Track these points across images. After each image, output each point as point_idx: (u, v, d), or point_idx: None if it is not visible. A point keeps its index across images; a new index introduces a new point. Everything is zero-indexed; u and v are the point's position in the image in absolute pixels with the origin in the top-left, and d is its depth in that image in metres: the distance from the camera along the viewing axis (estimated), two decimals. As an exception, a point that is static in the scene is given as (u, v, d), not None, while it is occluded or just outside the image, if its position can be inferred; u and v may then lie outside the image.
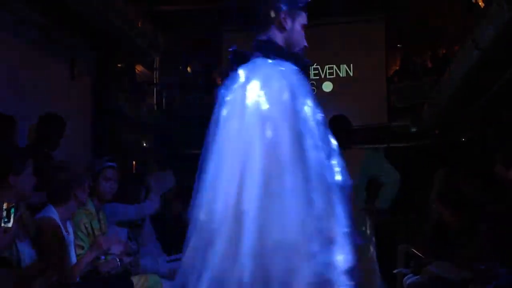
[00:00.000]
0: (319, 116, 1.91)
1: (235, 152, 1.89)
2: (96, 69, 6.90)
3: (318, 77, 9.94)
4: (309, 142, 1.81)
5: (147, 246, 4.46)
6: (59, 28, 5.77)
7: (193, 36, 10.59)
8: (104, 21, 5.80)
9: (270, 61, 1.96)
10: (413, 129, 9.96)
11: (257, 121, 1.84)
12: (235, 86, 1.97)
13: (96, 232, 3.68)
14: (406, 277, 4.41)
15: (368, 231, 4.20)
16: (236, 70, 2.02)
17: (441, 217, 4.69)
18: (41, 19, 5.47)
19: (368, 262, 4.09)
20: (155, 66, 10.85)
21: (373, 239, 4.26)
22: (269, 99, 1.84)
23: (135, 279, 3.65)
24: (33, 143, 4.75)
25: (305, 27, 2.23)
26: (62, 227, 3.27)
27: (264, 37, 2.06)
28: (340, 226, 1.83)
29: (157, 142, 10.54)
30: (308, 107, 1.88)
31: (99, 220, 3.75)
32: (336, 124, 3.64)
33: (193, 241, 2.01)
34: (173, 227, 5.42)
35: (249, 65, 1.97)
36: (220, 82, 2.19)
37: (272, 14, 2.04)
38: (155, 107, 10.70)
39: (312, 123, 1.86)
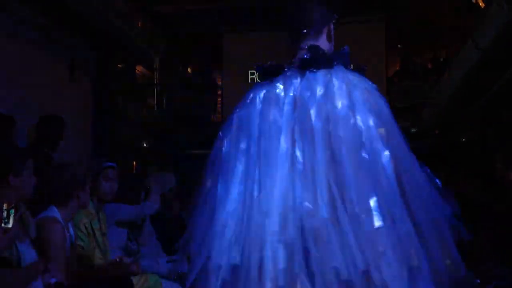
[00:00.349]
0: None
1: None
2: (96, 70, 6.90)
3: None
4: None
5: (147, 246, 4.46)
6: (59, 28, 5.77)
7: (193, 36, 10.60)
8: (104, 21, 5.80)
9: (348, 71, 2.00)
10: (413, 129, 9.97)
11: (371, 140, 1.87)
12: (319, 90, 1.92)
13: (97, 232, 3.68)
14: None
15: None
16: (304, 72, 1.98)
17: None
18: (41, 20, 5.47)
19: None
20: (155, 67, 10.86)
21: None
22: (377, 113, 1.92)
23: (135, 279, 3.65)
24: (33, 144, 4.76)
25: None
26: (64, 227, 3.27)
27: (327, 47, 2.09)
28: None
29: (157, 142, 10.55)
30: None
31: (99, 220, 3.75)
32: None
33: None
34: (173, 227, 5.42)
35: (333, 71, 1.95)
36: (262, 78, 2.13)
37: (326, 24, 2.10)
38: (155, 107, 10.71)
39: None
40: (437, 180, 1.97)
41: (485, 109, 7.37)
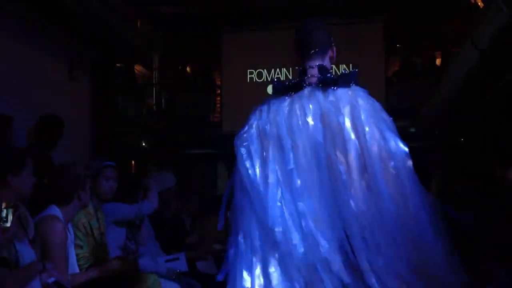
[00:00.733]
0: None
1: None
2: (95, 69, 6.90)
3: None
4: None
5: (146, 246, 4.46)
6: (57, 28, 5.77)
7: (192, 36, 10.60)
8: (103, 21, 5.80)
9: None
10: (412, 130, 9.97)
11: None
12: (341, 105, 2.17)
13: (95, 232, 3.68)
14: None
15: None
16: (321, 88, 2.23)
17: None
18: (40, 20, 5.47)
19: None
20: (154, 67, 10.85)
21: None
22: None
23: (133, 279, 3.65)
24: (32, 143, 4.76)
25: None
26: (65, 227, 3.28)
27: (329, 66, 2.35)
28: None
29: (156, 142, 10.55)
30: None
31: (97, 220, 3.75)
32: None
33: None
34: (171, 227, 5.42)
35: (351, 91, 2.21)
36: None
37: (331, 46, 2.37)
38: (154, 107, 10.70)
39: None
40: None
41: (484, 109, 7.38)
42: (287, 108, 2.21)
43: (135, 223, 4.33)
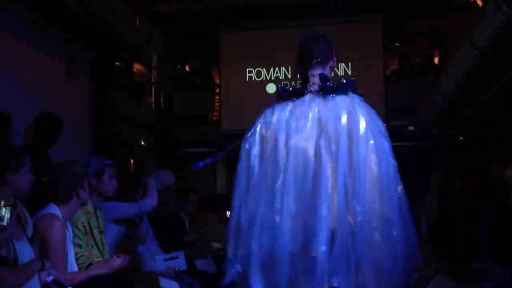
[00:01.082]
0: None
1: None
2: (93, 68, 6.89)
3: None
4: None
5: (145, 244, 4.46)
6: (57, 27, 5.76)
7: (191, 35, 10.58)
8: (102, 20, 5.79)
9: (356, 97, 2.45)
10: (411, 129, 9.98)
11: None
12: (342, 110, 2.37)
13: (94, 231, 3.68)
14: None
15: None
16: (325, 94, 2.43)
17: (440, 216, 4.71)
18: (39, 18, 5.46)
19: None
20: (153, 65, 10.85)
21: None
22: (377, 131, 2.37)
23: (132, 277, 3.65)
24: (30, 142, 4.75)
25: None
26: (64, 225, 3.28)
27: (329, 75, 2.55)
28: None
29: (155, 140, 10.55)
30: None
31: (97, 218, 3.76)
32: None
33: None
34: (170, 225, 5.43)
35: (348, 98, 2.41)
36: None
37: (331, 56, 2.61)
38: (153, 106, 10.70)
39: None
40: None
41: (483, 108, 7.38)
42: (288, 113, 2.40)
43: (134, 222, 4.33)
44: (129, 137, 9.21)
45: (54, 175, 3.34)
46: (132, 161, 9.89)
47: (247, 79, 10.43)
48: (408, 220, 2.33)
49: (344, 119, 2.32)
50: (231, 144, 2.75)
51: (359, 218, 2.22)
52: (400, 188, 2.32)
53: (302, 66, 2.57)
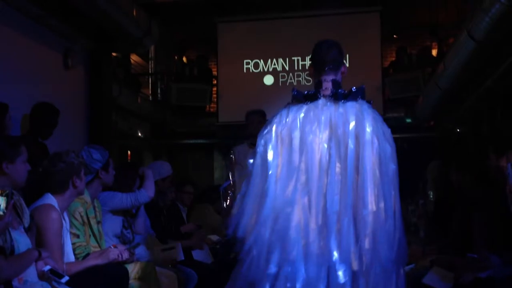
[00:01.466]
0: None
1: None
2: (90, 59, 6.86)
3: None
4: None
5: (142, 235, 4.47)
6: (53, 17, 5.73)
7: (188, 26, 10.56)
8: (99, 10, 5.76)
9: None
10: (408, 120, 9.99)
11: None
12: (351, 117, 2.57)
13: (92, 221, 3.69)
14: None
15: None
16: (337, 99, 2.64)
17: (437, 207, 4.72)
18: (35, 8, 5.44)
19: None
20: (150, 56, 10.82)
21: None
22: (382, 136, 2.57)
23: (130, 267, 3.66)
24: (26, 132, 4.75)
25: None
26: (61, 215, 3.28)
27: (340, 80, 2.76)
28: None
29: (152, 132, 10.55)
30: None
31: (94, 209, 3.76)
32: None
33: None
34: (167, 216, 5.44)
35: (358, 104, 2.62)
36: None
37: (343, 63, 2.81)
38: (150, 97, 10.69)
39: None
40: None
41: (479, 101, 7.39)
42: (302, 115, 2.61)
43: (131, 212, 4.34)
44: (126, 128, 9.20)
45: (49, 165, 3.34)
46: (129, 152, 9.89)
47: (245, 71, 10.42)
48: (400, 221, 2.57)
49: (352, 124, 2.53)
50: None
51: (365, 212, 2.44)
52: (393, 194, 2.52)
53: (316, 71, 2.78)
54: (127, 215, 4.29)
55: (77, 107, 6.59)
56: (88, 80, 6.81)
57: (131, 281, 3.62)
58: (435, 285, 3.50)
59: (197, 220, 6.12)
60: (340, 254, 2.43)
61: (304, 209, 2.49)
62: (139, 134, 10.03)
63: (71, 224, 3.51)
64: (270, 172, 2.56)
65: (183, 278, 4.51)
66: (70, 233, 3.47)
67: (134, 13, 6.51)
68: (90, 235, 3.68)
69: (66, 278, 2.91)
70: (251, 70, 10.43)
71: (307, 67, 10.08)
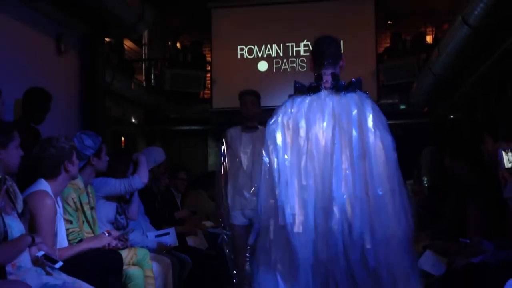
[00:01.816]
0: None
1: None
2: (83, 44, 6.81)
3: (308, 54, 9.91)
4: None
5: (136, 221, 4.47)
6: (45, 1, 5.67)
7: (182, 12, 10.49)
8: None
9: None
10: (403, 107, 10.00)
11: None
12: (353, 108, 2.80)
13: (85, 207, 3.68)
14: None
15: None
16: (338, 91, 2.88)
17: (430, 192, 4.74)
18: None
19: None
20: (144, 42, 10.76)
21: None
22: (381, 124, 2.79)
23: (124, 253, 3.66)
24: (19, 117, 4.72)
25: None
26: (55, 201, 3.27)
27: (337, 72, 2.99)
28: None
29: (146, 118, 10.52)
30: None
31: (87, 194, 3.75)
32: None
33: None
34: (162, 202, 5.44)
35: (357, 95, 2.84)
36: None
37: (341, 57, 3.03)
38: (144, 83, 10.64)
39: None
40: None
41: (474, 87, 7.39)
42: (307, 106, 2.83)
43: (125, 198, 4.33)
44: (120, 114, 9.16)
45: (40, 150, 3.31)
46: (123, 138, 9.87)
47: (239, 57, 10.38)
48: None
49: (354, 112, 2.76)
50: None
51: (379, 192, 2.68)
52: (397, 176, 2.75)
53: (316, 65, 3.00)
54: (121, 201, 4.28)
55: (70, 93, 6.54)
56: (81, 66, 6.75)
57: (125, 267, 3.62)
58: (429, 270, 3.53)
59: (191, 206, 6.13)
60: (350, 232, 2.67)
61: (317, 192, 2.72)
62: (133, 120, 10.00)
63: (64, 210, 3.50)
64: (280, 160, 2.79)
65: (177, 264, 4.52)
66: (63, 219, 3.47)
67: (128, -1, 6.45)
68: (83, 221, 3.67)
69: (60, 263, 2.90)
70: (245, 56, 10.38)
71: (301, 53, 10.07)
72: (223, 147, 4.61)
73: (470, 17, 5.50)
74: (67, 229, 3.48)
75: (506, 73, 6.36)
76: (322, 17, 9.83)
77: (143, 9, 6.84)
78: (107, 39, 7.88)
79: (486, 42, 6.03)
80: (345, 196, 2.67)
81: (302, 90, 2.91)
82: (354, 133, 2.72)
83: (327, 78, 2.93)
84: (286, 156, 2.79)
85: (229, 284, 4.65)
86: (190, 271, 4.77)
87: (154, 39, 10.79)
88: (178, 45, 11.65)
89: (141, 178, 4.22)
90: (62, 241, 3.37)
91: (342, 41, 9.74)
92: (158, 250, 4.52)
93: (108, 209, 4.15)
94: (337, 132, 2.75)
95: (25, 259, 2.82)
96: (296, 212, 2.72)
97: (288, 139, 2.82)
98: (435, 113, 9.81)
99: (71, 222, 3.53)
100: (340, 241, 2.67)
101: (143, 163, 4.35)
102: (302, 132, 2.79)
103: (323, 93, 2.87)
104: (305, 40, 10.03)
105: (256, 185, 3.12)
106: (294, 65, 10.16)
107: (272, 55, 10.29)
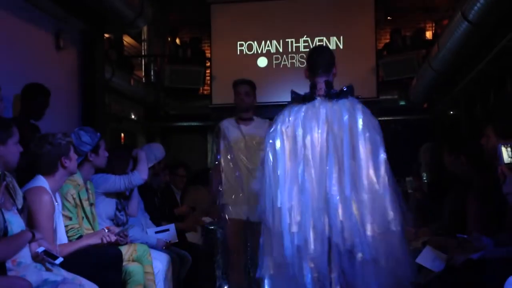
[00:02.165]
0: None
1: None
2: (83, 40, 6.79)
3: (308, 49, 9.89)
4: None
5: (135, 217, 4.47)
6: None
7: (181, 7, 10.47)
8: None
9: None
10: (402, 103, 9.99)
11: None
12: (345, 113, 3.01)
13: (84, 203, 3.68)
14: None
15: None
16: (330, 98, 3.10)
17: (429, 188, 4.74)
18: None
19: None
20: (143, 38, 10.73)
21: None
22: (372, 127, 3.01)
23: (123, 249, 3.67)
24: (18, 113, 4.71)
25: None
26: (53, 197, 3.27)
27: (331, 79, 3.22)
28: None
29: (145, 114, 10.50)
30: None
31: (87, 191, 3.75)
32: None
33: None
34: (161, 198, 5.44)
35: (349, 101, 3.06)
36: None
37: (334, 65, 3.26)
38: (144, 79, 10.62)
39: None
40: None
41: (473, 83, 7.38)
42: (303, 114, 3.04)
43: (125, 194, 4.33)
44: (120, 110, 9.15)
45: (36, 147, 3.30)
46: (122, 134, 9.86)
47: (238, 53, 10.36)
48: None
49: (345, 118, 2.96)
50: None
51: (368, 193, 2.88)
52: (387, 174, 2.93)
53: (311, 73, 3.21)
54: (121, 197, 4.28)
55: (70, 89, 6.53)
56: (80, 62, 6.74)
57: (125, 263, 3.63)
58: (428, 266, 3.53)
59: (190, 202, 6.13)
60: (343, 227, 2.87)
61: (314, 194, 2.93)
62: (132, 117, 9.99)
63: (63, 206, 3.50)
64: (280, 165, 2.99)
65: (177, 261, 4.52)
66: (63, 215, 3.47)
67: (127, -6, 6.43)
68: (82, 217, 3.67)
69: (60, 259, 2.91)
70: (244, 52, 10.37)
71: (301, 49, 10.05)
72: (219, 140, 4.55)
73: (470, 12, 5.49)
74: (66, 226, 3.48)
75: (506, 69, 6.36)
76: (321, 13, 9.82)
77: (142, 5, 6.82)
78: (106, 35, 7.86)
79: (486, 38, 6.02)
80: (338, 197, 2.88)
81: (297, 99, 3.13)
82: (345, 137, 2.93)
83: (321, 85, 3.14)
84: (286, 162, 2.99)
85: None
86: (189, 267, 4.77)
87: (154, 35, 10.77)
88: (177, 41, 11.63)
89: (141, 175, 4.21)
90: (61, 237, 3.37)
91: (342, 37, 9.98)
92: (158, 246, 4.52)
93: (108, 206, 4.15)
94: (330, 138, 2.96)
95: (25, 255, 2.83)
96: (294, 213, 2.93)
97: (287, 146, 3.02)
98: (434, 109, 9.80)
99: (70, 219, 3.53)
100: (333, 240, 2.90)
101: (142, 159, 4.34)
102: (299, 139, 3.00)
103: (317, 101, 3.08)
104: (305, 36, 10.01)
105: (253, 182, 3.33)
106: (294, 61, 10.14)
107: (272, 51, 10.27)
